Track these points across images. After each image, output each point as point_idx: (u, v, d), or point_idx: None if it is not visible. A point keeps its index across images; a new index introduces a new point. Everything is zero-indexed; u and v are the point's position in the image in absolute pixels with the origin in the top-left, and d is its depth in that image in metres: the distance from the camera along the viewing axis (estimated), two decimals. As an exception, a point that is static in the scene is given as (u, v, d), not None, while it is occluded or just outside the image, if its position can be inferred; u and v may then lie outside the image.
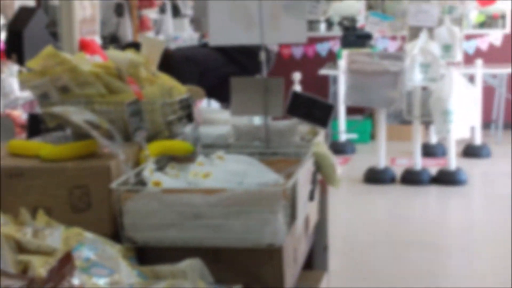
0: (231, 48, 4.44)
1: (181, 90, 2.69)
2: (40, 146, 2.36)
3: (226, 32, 2.84)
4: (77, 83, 2.47)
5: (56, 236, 1.89)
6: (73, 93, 2.48)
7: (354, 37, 8.34)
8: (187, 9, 8.79)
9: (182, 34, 8.64)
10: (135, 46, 2.94)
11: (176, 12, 8.74)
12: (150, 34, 7.42)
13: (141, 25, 7.23)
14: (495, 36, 9.05)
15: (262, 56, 2.83)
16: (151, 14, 7.47)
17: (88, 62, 2.62)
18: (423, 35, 6.70)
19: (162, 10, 8.20)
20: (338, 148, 7.94)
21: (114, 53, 2.66)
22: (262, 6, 2.76)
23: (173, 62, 4.36)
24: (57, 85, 2.48)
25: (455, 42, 6.78)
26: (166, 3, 8.39)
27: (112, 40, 7.61)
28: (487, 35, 9.09)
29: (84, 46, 3.83)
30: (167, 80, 2.71)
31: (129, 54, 2.59)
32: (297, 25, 2.84)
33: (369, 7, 9.78)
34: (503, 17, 9.05)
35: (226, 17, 2.80)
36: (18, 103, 5.02)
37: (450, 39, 6.79)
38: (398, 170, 7.08)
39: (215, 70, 4.73)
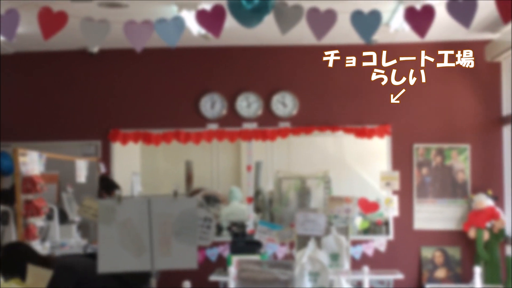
0: None
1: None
2: None
3: (116, 259, 2.79)
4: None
5: None
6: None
7: (243, 243, 8.36)
8: (75, 215, 8.68)
9: (69, 241, 8.47)
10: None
11: (63, 218, 8.61)
12: (36, 242, 7.22)
13: (27, 234, 7.05)
14: (379, 242, 9.30)
15: (153, 283, 2.78)
16: (38, 221, 7.31)
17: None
18: (311, 244, 6.81)
19: (49, 216, 8.06)
20: None
21: (-3, 284, 2.54)
22: (152, 233, 2.74)
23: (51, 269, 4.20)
24: None
25: (342, 250, 6.91)
26: (54, 209, 8.27)
27: (-5, 248, 7.37)
28: (372, 241, 9.33)
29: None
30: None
31: (13, 284, 2.48)
32: (188, 251, 2.84)
33: (257, 210, 9.92)
34: (386, 224, 9.35)
35: (116, 244, 2.77)
36: None
37: (337, 248, 6.93)
38: None
39: (93, 281, 4.48)
